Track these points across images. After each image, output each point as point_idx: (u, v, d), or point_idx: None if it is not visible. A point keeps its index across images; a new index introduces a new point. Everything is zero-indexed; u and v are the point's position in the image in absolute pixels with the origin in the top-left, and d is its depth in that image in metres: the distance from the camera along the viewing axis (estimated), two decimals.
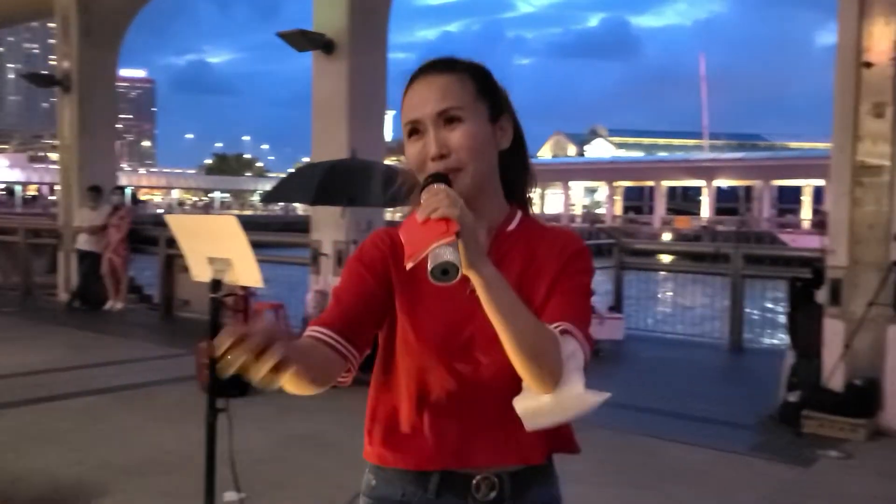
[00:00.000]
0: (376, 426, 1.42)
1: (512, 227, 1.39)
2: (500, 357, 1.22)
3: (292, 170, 8.24)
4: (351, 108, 8.30)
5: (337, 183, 6.69)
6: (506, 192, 1.40)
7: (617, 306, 9.58)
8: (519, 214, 1.41)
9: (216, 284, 2.84)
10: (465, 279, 1.16)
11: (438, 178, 1.26)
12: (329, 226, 8.32)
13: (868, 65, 5.55)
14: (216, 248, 2.77)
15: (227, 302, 2.87)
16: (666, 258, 14.18)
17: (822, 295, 5.92)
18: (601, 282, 10.63)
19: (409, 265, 1.14)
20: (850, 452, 5.13)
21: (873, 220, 5.61)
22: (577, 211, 67.66)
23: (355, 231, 7.91)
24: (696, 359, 8.48)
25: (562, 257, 1.35)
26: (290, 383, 1.16)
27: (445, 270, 1.09)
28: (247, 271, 2.77)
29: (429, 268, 1.10)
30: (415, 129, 1.33)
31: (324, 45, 8.22)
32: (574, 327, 1.27)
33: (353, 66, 8.31)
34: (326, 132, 8.39)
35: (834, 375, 5.61)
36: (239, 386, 6.28)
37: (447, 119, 1.30)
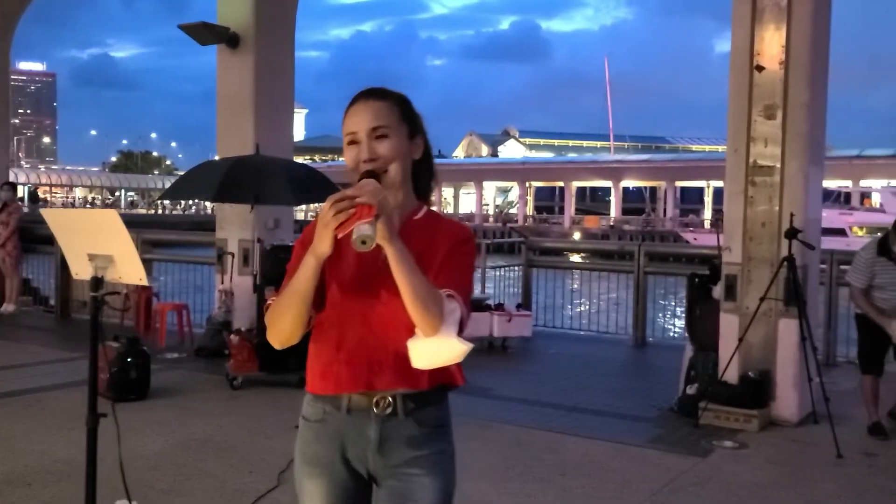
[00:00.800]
0: (310, 367, 1.87)
1: (418, 216, 1.85)
2: (399, 311, 1.64)
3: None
4: (257, 105, 8.09)
5: (241, 179, 6.51)
6: (416, 192, 1.87)
7: (525, 304, 9.67)
8: (425, 208, 1.87)
9: (97, 282, 2.68)
10: (380, 250, 1.60)
11: (370, 174, 1.72)
12: (235, 224, 8.11)
13: (760, 68, 5.74)
14: (96, 243, 2.62)
15: (109, 301, 2.71)
16: (577, 257, 14.43)
17: (718, 290, 6.09)
18: (510, 280, 10.74)
19: (339, 235, 1.57)
20: (744, 442, 5.29)
21: (765, 218, 5.79)
22: (490, 210, 68.31)
23: (262, 229, 7.72)
24: (601, 354, 8.62)
25: (452, 241, 1.79)
26: (293, 327, 1.72)
27: (364, 241, 1.53)
28: (130, 268, 2.63)
29: (352, 238, 1.53)
30: (353, 140, 1.78)
31: (228, 38, 7.99)
32: (456, 293, 1.72)
33: (259, 61, 8.10)
34: (231, 128, 8.16)
35: (729, 368, 5.77)
36: (138, 389, 6.06)
37: (378, 135, 1.77)
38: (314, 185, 7.08)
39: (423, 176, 1.88)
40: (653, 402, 6.34)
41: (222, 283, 8.11)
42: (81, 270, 2.72)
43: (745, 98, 5.81)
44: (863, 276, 5.48)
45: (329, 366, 1.82)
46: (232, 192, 6.52)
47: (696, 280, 6.49)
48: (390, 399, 1.79)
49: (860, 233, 36.61)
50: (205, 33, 7.88)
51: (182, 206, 77.68)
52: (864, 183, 46.29)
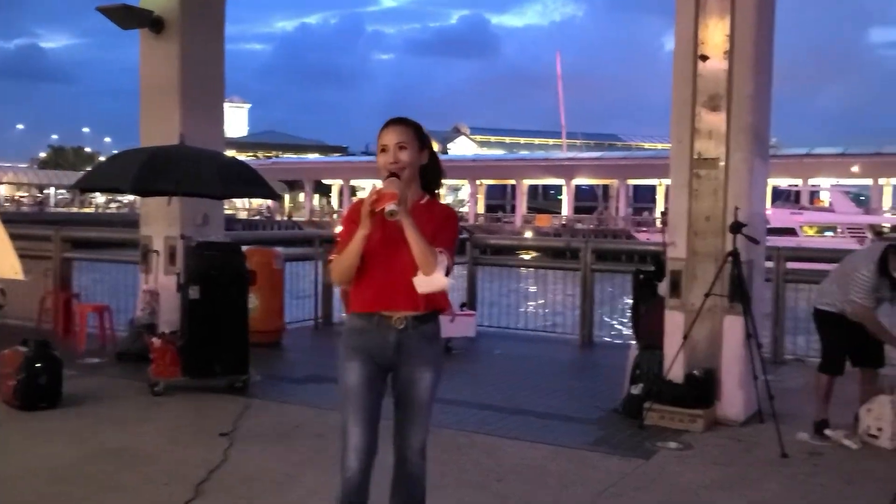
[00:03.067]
0: (353, 296, 3.04)
1: (422, 202, 3.07)
2: (408, 257, 2.88)
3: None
4: (183, 94, 7.84)
5: (162, 169, 6.30)
6: (424, 187, 3.10)
7: (469, 303, 9.59)
8: (427, 197, 3.10)
9: None
10: (397, 225, 2.85)
11: (393, 175, 2.96)
12: (160, 220, 7.85)
13: (704, 58, 5.74)
14: None
15: None
16: (528, 256, 14.42)
17: (663, 287, 6.08)
18: (455, 280, 10.64)
19: (377, 210, 2.83)
20: (689, 443, 5.29)
21: (710, 212, 5.80)
22: None
23: (189, 225, 7.51)
24: (547, 354, 8.60)
25: (442, 216, 3.04)
26: (349, 271, 2.99)
27: (392, 213, 2.80)
28: (4, 262, 2.44)
29: (385, 211, 2.80)
30: (384, 149, 3.01)
31: (151, 22, 7.74)
32: (445, 250, 2.93)
33: (185, 47, 7.86)
34: (155, 119, 7.90)
35: (674, 367, 5.77)
36: (48, 397, 5.80)
37: (400, 146, 3.01)
38: (246, 179, 6.91)
39: (430, 176, 3.12)
40: (597, 403, 6.32)
41: (147, 283, 7.86)
42: None
43: (688, 89, 5.82)
44: (871, 297, 5.32)
45: (366, 294, 3.01)
46: (152, 182, 6.31)
47: (641, 276, 6.49)
48: (403, 317, 3.01)
49: (810, 232, 37.44)
50: (126, 16, 7.61)
51: (116, 204, 75.96)
52: (812, 181, 47.40)
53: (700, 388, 5.70)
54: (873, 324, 5.35)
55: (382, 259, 2.97)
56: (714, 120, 5.76)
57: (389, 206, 2.80)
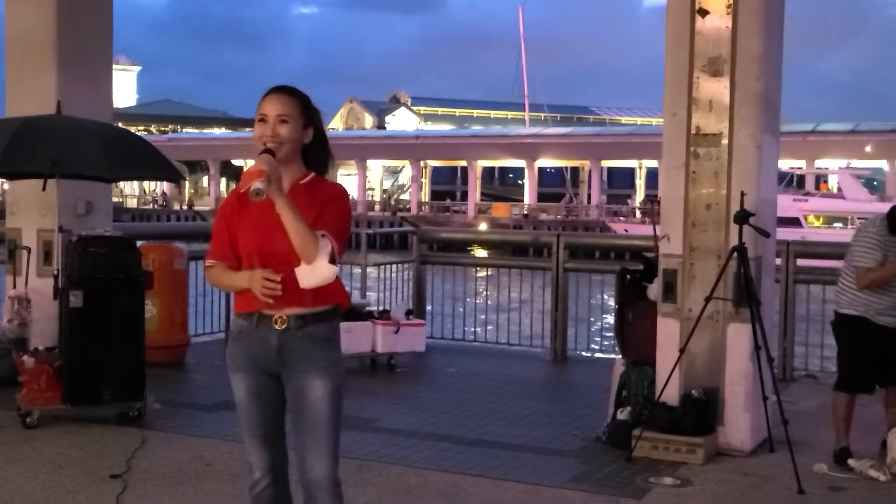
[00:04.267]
0: (237, 300, 3.26)
1: (304, 181, 3.26)
2: (288, 250, 3.06)
3: None
4: (60, 51, 7.63)
5: (34, 145, 6.13)
6: (310, 164, 3.30)
7: (418, 310, 9.54)
8: (312, 175, 3.29)
9: None
10: (273, 207, 3.05)
11: (268, 151, 3.13)
12: (32, 209, 7.65)
13: (703, 12, 5.77)
14: None
15: None
16: (483, 252, 14.42)
17: (654, 290, 6.10)
18: (399, 282, 10.58)
19: (241, 190, 3.12)
20: (687, 478, 5.31)
21: (711, 199, 5.84)
22: (377, 196, 68.11)
23: (69, 216, 7.28)
24: (512, 372, 8.60)
25: (328, 196, 3.23)
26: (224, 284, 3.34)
27: (257, 193, 2.97)
28: None
29: (251, 190, 2.98)
30: (263, 119, 3.20)
31: None
32: (329, 233, 3.09)
33: None
34: (25, 82, 7.67)
35: (668, 386, 5.79)
36: None
37: (281, 119, 3.19)
38: (141, 158, 6.75)
39: (316, 154, 3.30)
40: (576, 431, 6.33)
41: (15, 287, 7.63)
42: None
43: (684, 50, 5.85)
44: (877, 253, 5.49)
45: (246, 292, 3.15)
46: (22, 161, 6.13)
47: (628, 277, 6.52)
48: (285, 317, 3.15)
49: (816, 223, 38.32)
50: None
51: None
52: (819, 163, 48.51)
53: (699, 412, 5.72)
54: (884, 275, 5.48)
55: (257, 250, 3.14)
56: (715, 88, 5.79)
57: (255, 185, 2.94)
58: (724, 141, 5.78)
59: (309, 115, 3.27)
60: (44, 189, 6.67)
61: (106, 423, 6.17)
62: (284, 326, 3.15)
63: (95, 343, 6.20)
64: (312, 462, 3.17)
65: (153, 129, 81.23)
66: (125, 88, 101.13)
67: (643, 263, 6.51)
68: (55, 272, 6.53)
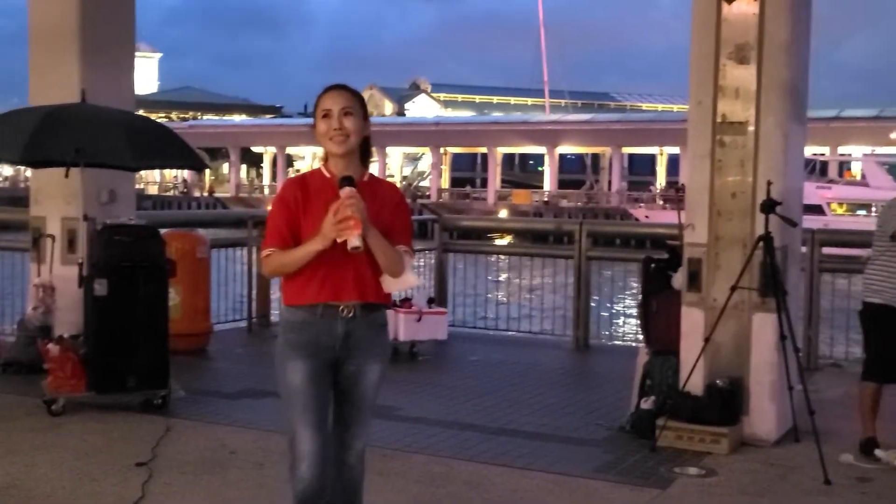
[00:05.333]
0: (290, 287, 3.37)
1: (365, 179, 3.44)
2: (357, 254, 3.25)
3: None
4: (83, 40, 7.66)
5: (59, 134, 6.16)
6: (364, 160, 3.49)
7: (439, 298, 9.54)
8: (368, 173, 3.50)
9: None
10: (337, 198, 3.25)
11: (347, 179, 3.26)
12: (56, 198, 7.70)
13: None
14: None
15: None
16: (505, 240, 14.41)
17: (678, 279, 6.08)
18: (420, 270, 10.59)
19: (339, 241, 3.21)
20: (712, 468, 5.30)
21: (737, 187, 5.80)
22: (397, 182, 68.01)
23: (93, 203, 7.33)
24: (535, 361, 8.59)
25: (393, 201, 3.48)
26: (292, 271, 3.34)
27: (355, 247, 3.20)
28: None
29: (349, 247, 3.20)
30: (327, 114, 3.36)
31: None
32: (406, 247, 3.43)
33: None
34: (49, 71, 7.72)
35: (693, 376, 5.76)
36: None
37: (345, 112, 3.36)
38: (164, 146, 6.77)
39: (365, 149, 3.47)
40: (599, 421, 6.32)
41: (39, 275, 7.69)
42: None
43: (710, 37, 5.81)
44: None
45: (309, 285, 3.31)
46: (47, 150, 6.16)
47: (652, 266, 6.49)
48: (352, 307, 3.34)
49: (840, 210, 38.02)
50: None
51: None
52: (842, 150, 48.10)
53: (724, 402, 5.69)
54: None
55: (331, 251, 3.25)
56: (742, 75, 5.74)
57: (353, 242, 3.17)
58: (751, 129, 5.74)
59: (365, 108, 3.47)
60: (66, 176, 6.71)
61: (130, 410, 6.21)
62: (351, 315, 3.33)
63: (120, 331, 6.23)
64: (354, 438, 3.45)
65: (174, 116, 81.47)
66: (146, 75, 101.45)
67: (668, 252, 6.48)
68: (80, 260, 6.57)
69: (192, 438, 5.76)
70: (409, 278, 3.42)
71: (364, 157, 3.50)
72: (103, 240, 6.34)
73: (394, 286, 3.39)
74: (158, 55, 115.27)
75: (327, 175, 3.41)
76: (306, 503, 3.33)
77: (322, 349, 3.35)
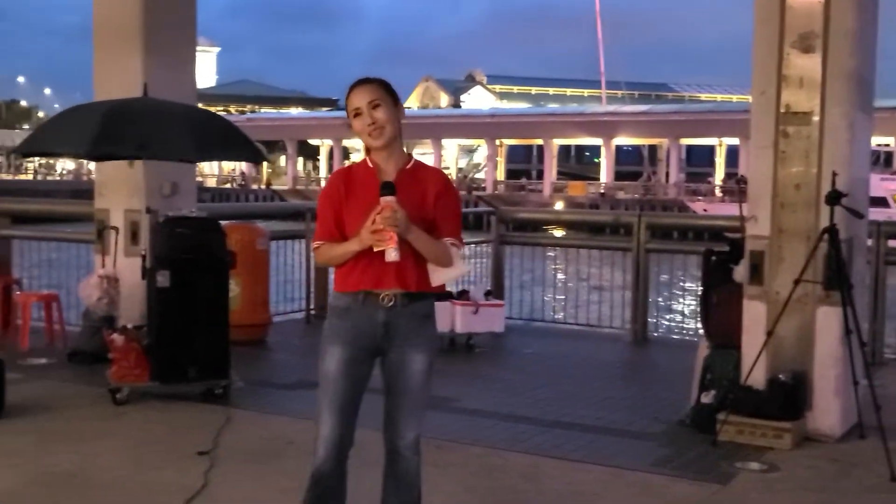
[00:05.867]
0: (339, 275, 3.40)
1: (409, 167, 3.45)
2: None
3: None
4: (146, 35, 7.77)
5: (124, 127, 6.24)
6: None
7: (496, 291, 9.53)
8: (413, 160, 3.48)
9: None
10: (378, 190, 3.27)
11: (387, 187, 3.24)
12: (119, 191, 7.82)
13: None
14: None
15: None
16: (561, 232, 14.33)
17: (740, 272, 6.00)
18: (477, 262, 10.59)
19: (376, 250, 3.27)
20: (774, 464, 5.23)
21: (801, 179, 5.70)
22: (452, 174, 68.13)
23: (156, 195, 7.45)
24: (591, 354, 8.56)
25: (438, 187, 3.43)
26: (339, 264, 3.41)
27: (393, 259, 3.24)
28: None
29: (387, 259, 3.24)
30: (358, 112, 3.37)
31: None
32: (454, 238, 3.40)
33: None
34: (112, 65, 7.82)
35: (755, 370, 5.69)
36: None
37: (373, 105, 3.35)
38: (225, 139, 6.84)
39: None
40: (658, 415, 6.28)
41: (104, 266, 7.82)
42: None
43: (774, 25, 5.71)
44: None
45: (352, 272, 3.34)
46: (112, 144, 6.24)
47: (713, 259, 6.41)
48: (393, 295, 3.34)
49: None
50: None
51: (60, 169, 76.09)
52: None
53: (787, 396, 5.62)
54: None
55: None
56: (806, 64, 5.64)
57: (389, 256, 3.22)
58: (815, 119, 5.64)
59: (394, 95, 3.43)
60: (130, 166, 6.82)
61: (191, 400, 6.29)
62: (391, 304, 3.34)
63: (182, 322, 6.31)
64: (405, 428, 3.44)
65: (232, 109, 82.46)
66: (205, 69, 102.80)
67: (729, 245, 6.39)
68: (143, 252, 6.67)
69: (251, 428, 5.82)
70: (459, 269, 3.44)
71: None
72: (166, 232, 6.42)
73: (442, 277, 3.38)
74: (217, 49, 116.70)
75: (370, 166, 3.43)
76: (318, 480, 3.40)
77: (362, 336, 3.37)
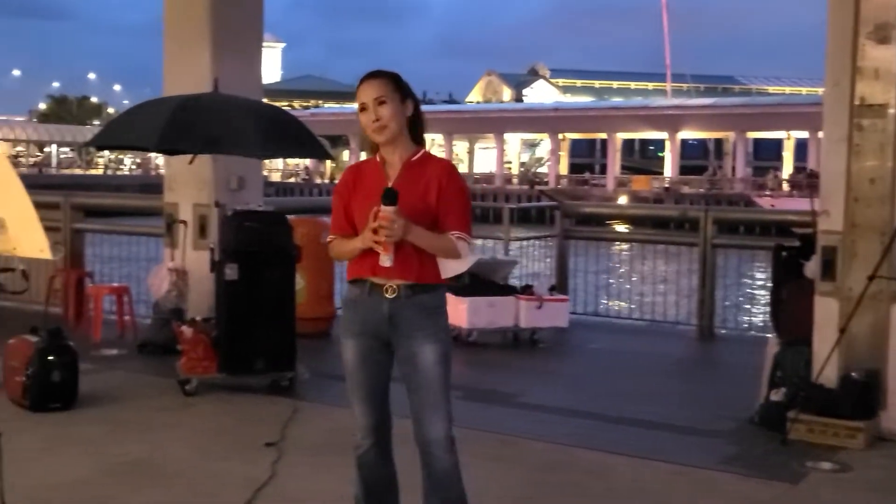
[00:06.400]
0: (349, 267, 3.43)
1: (415, 159, 3.44)
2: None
3: None
4: (214, 30, 7.88)
5: (192, 122, 6.34)
6: (416, 138, 3.48)
7: (560, 286, 9.49)
8: (422, 151, 3.47)
9: None
10: (384, 181, 3.39)
11: (388, 196, 3.20)
12: (188, 184, 7.94)
13: None
14: None
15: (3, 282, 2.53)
16: (625, 227, 14.23)
17: (812, 267, 5.90)
18: (540, 257, 10.56)
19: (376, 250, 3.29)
20: (847, 463, 5.14)
21: (875, 173, 5.59)
22: (514, 169, 67.99)
23: (223, 190, 7.55)
24: (657, 349, 8.49)
25: (440, 174, 3.40)
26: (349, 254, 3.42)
27: (385, 265, 3.26)
28: (28, 236, 2.43)
29: (380, 263, 3.26)
30: (363, 108, 3.38)
31: None
32: (460, 231, 3.35)
33: None
34: (182, 61, 7.95)
35: (827, 367, 5.59)
36: (62, 396, 5.91)
37: (379, 101, 3.35)
38: (289, 134, 6.90)
39: (417, 126, 3.46)
40: (725, 412, 6.20)
41: (173, 259, 7.95)
42: None
43: (848, 15, 5.60)
44: None
45: (358, 260, 3.36)
46: (181, 139, 6.35)
47: (784, 254, 6.33)
48: (395, 286, 3.33)
49: None
50: None
51: (129, 164, 77.61)
52: None
53: (860, 395, 5.52)
54: None
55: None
56: (882, 55, 5.52)
57: (382, 262, 3.23)
58: (891, 112, 5.52)
59: (403, 89, 3.42)
60: (190, 163, 6.92)
61: (258, 392, 6.37)
62: (395, 295, 3.33)
63: (249, 315, 6.38)
64: (429, 423, 3.37)
65: (296, 104, 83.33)
66: (271, 65, 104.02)
67: (799, 240, 6.29)
68: (211, 246, 6.77)
69: (317, 420, 5.87)
70: (467, 262, 3.43)
71: (416, 134, 3.49)
72: (234, 226, 6.50)
73: (450, 270, 3.39)
74: (282, 45, 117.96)
75: (377, 160, 3.46)
76: (363, 468, 3.49)
77: (370, 327, 3.38)
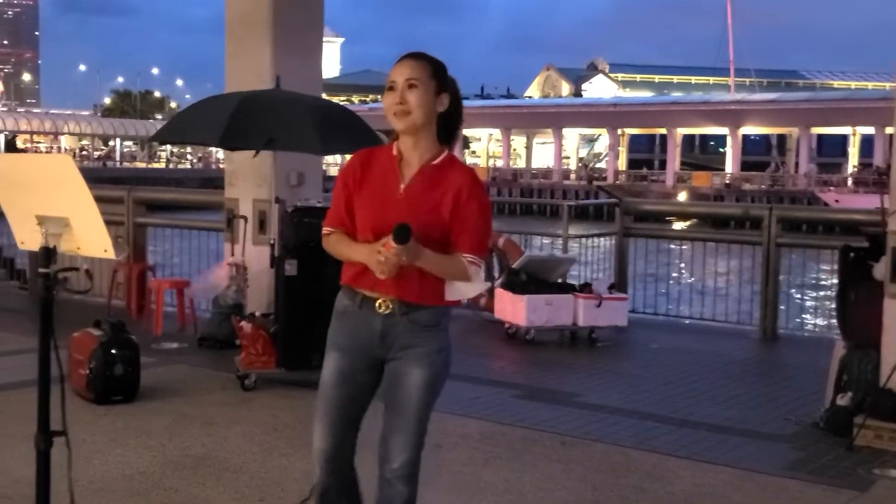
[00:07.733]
0: (343, 270, 3.11)
1: (437, 161, 3.04)
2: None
3: None
4: (276, 27, 7.94)
5: (254, 119, 6.38)
6: (446, 139, 3.08)
7: (619, 284, 9.40)
8: (446, 153, 3.06)
9: (47, 254, 2.50)
10: (395, 184, 3.03)
11: (399, 233, 2.79)
12: (248, 179, 8.01)
13: None
14: (46, 202, 2.43)
15: (67, 280, 2.55)
16: (684, 224, 14.06)
17: (881, 269, 5.75)
18: (600, 254, 10.47)
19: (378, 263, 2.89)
20: None
21: None
22: (573, 165, 67.65)
23: (283, 186, 7.60)
24: (719, 350, 8.37)
25: (462, 192, 3.00)
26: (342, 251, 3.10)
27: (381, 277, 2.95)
28: (91, 236, 2.44)
29: (377, 274, 2.92)
30: (392, 87, 2.98)
31: None
32: (473, 255, 2.99)
33: None
34: (244, 58, 8.02)
35: None
36: (124, 389, 6.00)
37: (410, 84, 2.96)
38: (348, 131, 6.91)
39: (450, 125, 3.07)
40: (790, 416, 6.09)
41: (233, 254, 8.02)
42: (27, 238, 2.55)
43: None
44: None
45: (353, 266, 3.05)
46: (243, 135, 6.40)
47: (851, 255, 6.19)
48: (389, 302, 3.02)
49: None
50: None
51: (190, 158, 78.75)
52: None
53: None
54: None
55: (373, 228, 3.00)
56: None
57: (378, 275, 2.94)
58: None
59: (442, 80, 3.04)
60: (254, 156, 6.97)
61: (316, 388, 6.37)
62: (388, 311, 3.02)
63: (308, 310, 6.39)
64: (394, 447, 3.08)
65: (354, 99, 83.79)
66: (330, 59, 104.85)
67: (868, 240, 6.14)
68: (271, 241, 6.81)
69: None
70: (476, 288, 3.11)
71: (446, 136, 3.10)
72: (293, 221, 6.51)
73: (457, 293, 3.05)
74: (341, 40, 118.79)
75: (394, 153, 3.07)
76: (317, 495, 3.20)
77: (360, 343, 3.07)
